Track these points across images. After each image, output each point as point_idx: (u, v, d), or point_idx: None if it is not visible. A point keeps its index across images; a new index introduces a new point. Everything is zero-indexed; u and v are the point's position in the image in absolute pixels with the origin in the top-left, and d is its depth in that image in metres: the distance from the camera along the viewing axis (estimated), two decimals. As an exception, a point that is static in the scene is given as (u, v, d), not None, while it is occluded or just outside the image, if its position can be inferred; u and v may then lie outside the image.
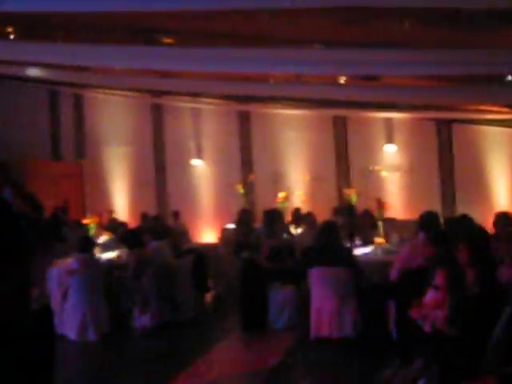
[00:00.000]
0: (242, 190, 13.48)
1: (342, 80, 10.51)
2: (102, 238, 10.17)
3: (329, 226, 7.03)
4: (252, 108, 14.15)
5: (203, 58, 8.97)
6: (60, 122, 15.67)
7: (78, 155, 15.16)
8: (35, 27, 8.99)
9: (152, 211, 12.47)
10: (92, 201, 13.95)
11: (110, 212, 12.98)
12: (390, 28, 7.68)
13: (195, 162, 14.48)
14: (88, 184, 14.39)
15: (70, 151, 15.28)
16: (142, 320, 6.96)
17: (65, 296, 6.89)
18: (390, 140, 14.57)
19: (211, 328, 7.43)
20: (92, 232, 8.97)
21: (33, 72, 12.78)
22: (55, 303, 6.67)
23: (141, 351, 6.56)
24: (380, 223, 8.99)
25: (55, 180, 13.83)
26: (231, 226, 11.23)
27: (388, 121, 14.45)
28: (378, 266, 7.08)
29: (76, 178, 14.60)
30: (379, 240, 8.43)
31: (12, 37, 9.19)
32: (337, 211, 10.57)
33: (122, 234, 8.47)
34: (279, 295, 7.36)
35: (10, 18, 8.24)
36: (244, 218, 9.19)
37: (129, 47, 8.54)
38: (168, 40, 8.46)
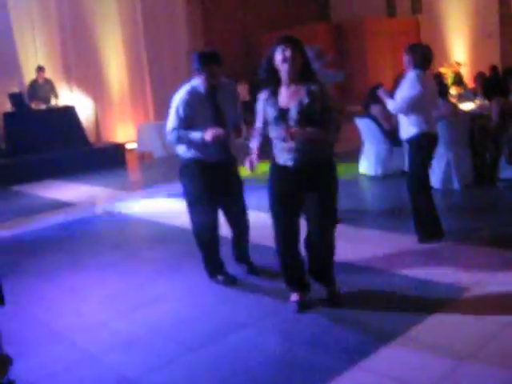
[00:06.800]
0: None
1: None
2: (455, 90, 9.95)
3: None
4: None
5: None
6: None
7: (414, 10, 14.54)
8: None
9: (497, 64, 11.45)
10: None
11: (458, 64, 12.41)
12: None
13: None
14: (425, 39, 13.80)
15: (405, 7, 14.73)
16: (507, 171, 6.43)
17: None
18: None
19: None
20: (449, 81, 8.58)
21: None
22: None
23: (504, 202, 6.08)
24: None
25: (392, 37, 13.57)
26: None
27: None
28: None
29: (412, 34, 14.12)
30: None
31: None
32: None
33: (483, 84, 7.85)
34: None
35: None
36: None
37: None
38: None
